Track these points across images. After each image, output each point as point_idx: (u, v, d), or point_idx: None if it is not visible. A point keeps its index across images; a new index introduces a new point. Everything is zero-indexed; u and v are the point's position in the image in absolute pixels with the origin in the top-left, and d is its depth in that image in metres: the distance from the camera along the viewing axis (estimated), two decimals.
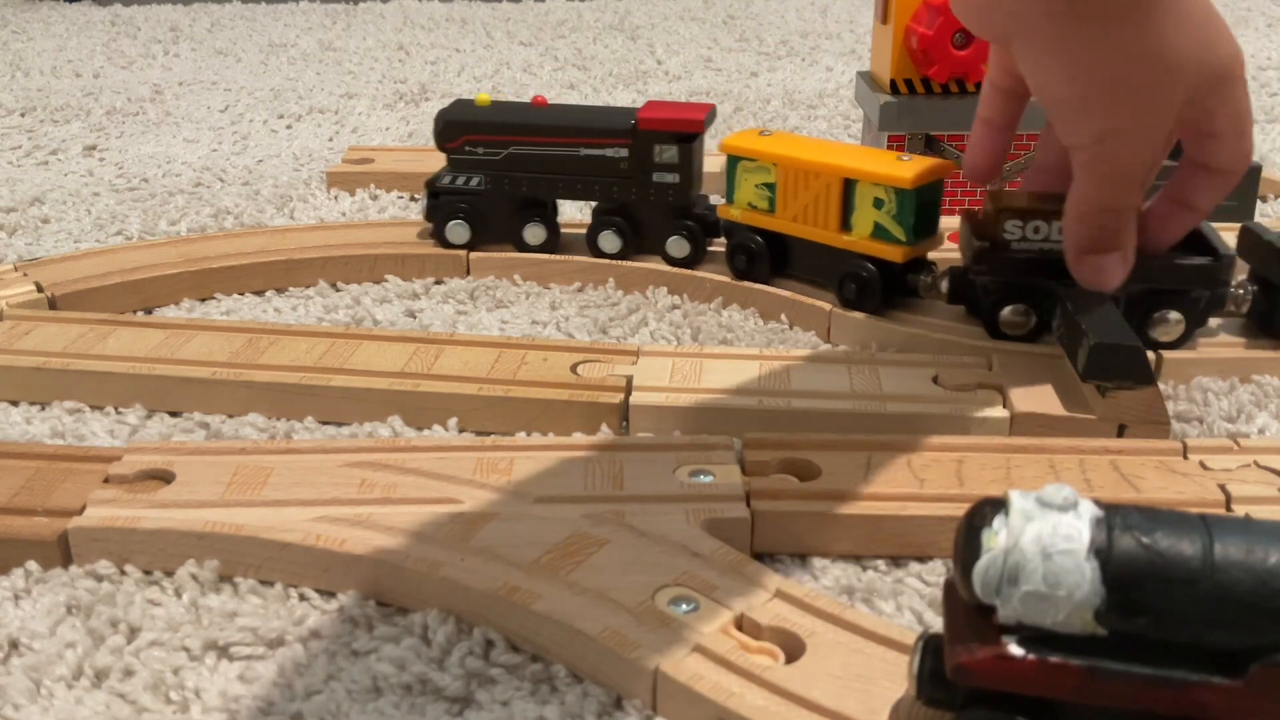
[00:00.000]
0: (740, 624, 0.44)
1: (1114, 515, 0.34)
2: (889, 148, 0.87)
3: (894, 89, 0.87)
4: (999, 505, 0.35)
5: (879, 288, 0.71)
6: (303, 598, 0.49)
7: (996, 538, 0.34)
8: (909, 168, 0.69)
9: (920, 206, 0.69)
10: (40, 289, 0.77)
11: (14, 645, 0.46)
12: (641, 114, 0.79)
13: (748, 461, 0.55)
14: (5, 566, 0.51)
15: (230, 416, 0.65)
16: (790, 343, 0.74)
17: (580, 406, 0.62)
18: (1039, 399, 0.61)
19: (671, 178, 0.80)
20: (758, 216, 0.76)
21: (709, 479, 0.54)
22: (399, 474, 0.54)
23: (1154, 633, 0.33)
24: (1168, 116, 0.55)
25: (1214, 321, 0.69)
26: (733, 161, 0.77)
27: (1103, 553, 0.33)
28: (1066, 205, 0.59)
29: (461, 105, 0.83)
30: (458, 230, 0.83)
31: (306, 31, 1.84)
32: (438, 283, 0.83)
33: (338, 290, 0.82)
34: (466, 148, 0.81)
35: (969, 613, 0.35)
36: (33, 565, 0.50)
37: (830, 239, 0.73)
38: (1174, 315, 0.65)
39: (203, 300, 0.81)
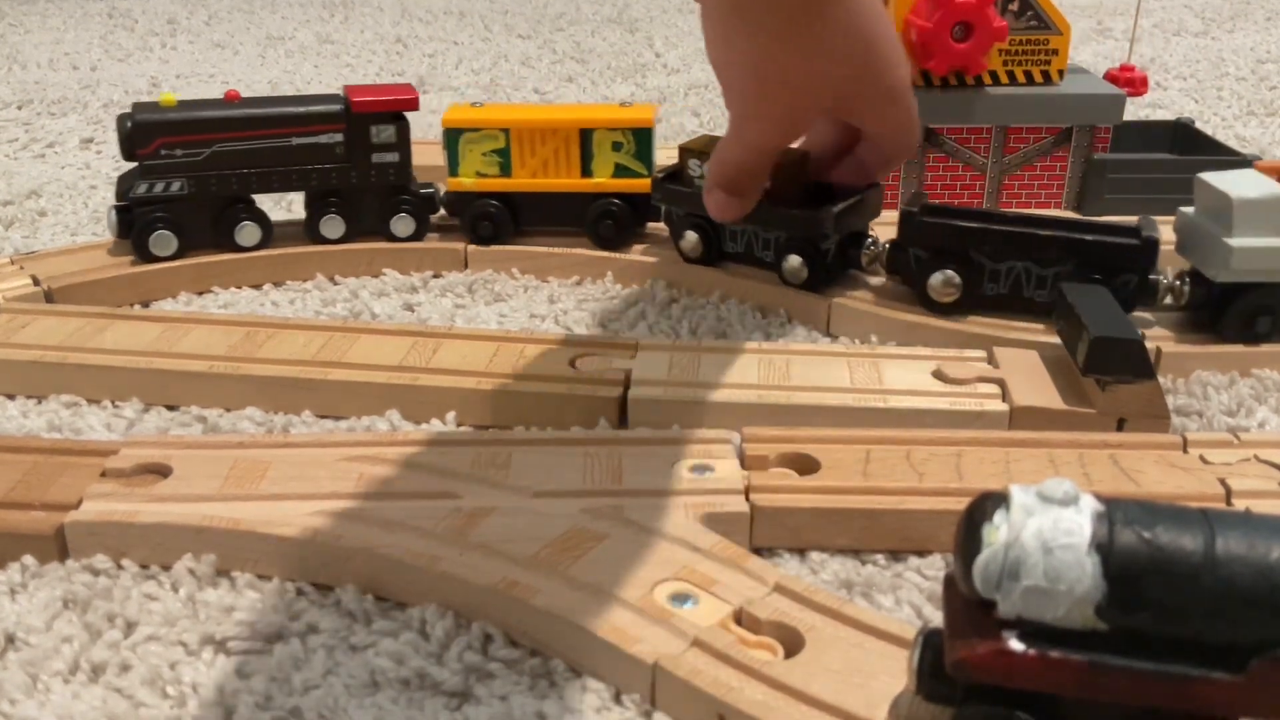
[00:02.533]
0: (739, 618, 0.44)
1: (1115, 510, 0.34)
2: None
3: None
4: (999, 500, 0.35)
5: (631, 220, 0.82)
6: (300, 592, 0.49)
7: (997, 532, 0.34)
8: (640, 111, 0.81)
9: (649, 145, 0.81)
10: (37, 282, 0.77)
11: (10, 640, 0.46)
12: (354, 96, 0.80)
13: (747, 455, 0.55)
14: (1, 561, 0.50)
15: (228, 410, 0.64)
16: (789, 336, 0.74)
17: (579, 400, 0.62)
18: (1039, 393, 0.61)
19: (391, 157, 0.81)
20: (492, 182, 0.82)
21: (708, 473, 0.53)
22: (397, 468, 0.54)
23: (1155, 628, 0.33)
24: (801, 123, 0.65)
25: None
26: (453, 135, 0.81)
27: (1104, 547, 0.33)
28: (714, 149, 0.68)
29: (147, 107, 0.78)
30: (162, 241, 0.79)
31: (304, 24, 1.83)
32: (436, 276, 0.83)
33: (335, 284, 0.82)
34: (163, 151, 0.77)
35: (969, 607, 0.35)
36: (29, 559, 0.50)
37: (575, 186, 0.82)
38: (800, 261, 0.72)
39: (200, 294, 0.80)
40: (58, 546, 0.50)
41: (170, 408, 0.65)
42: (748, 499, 0.52)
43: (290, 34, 1.76)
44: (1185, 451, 0.55)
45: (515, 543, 0.48)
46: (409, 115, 0.81)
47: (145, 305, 0.79)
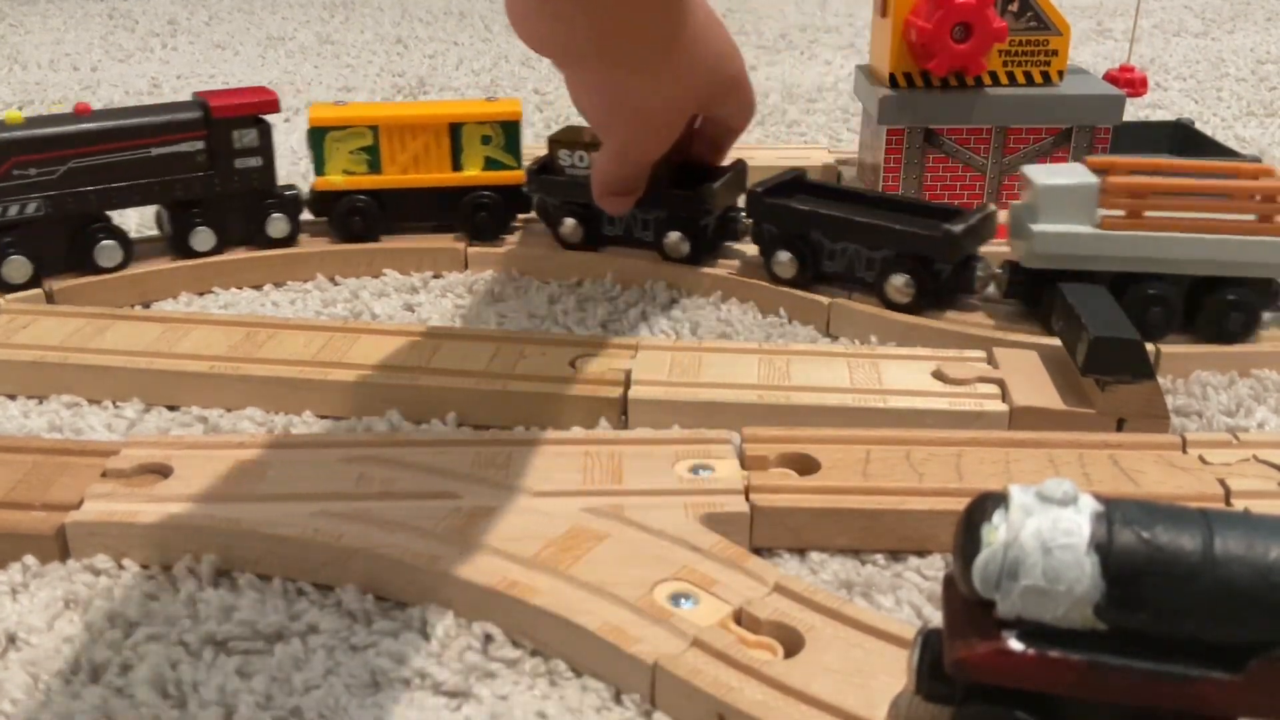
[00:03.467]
0: (739, 618, 0.44)
1: (1114, 510, 0.34)
2: (889, 142, 0.87)
3: (893, 82, 0.86)
4: (999, 500, 0.35)
5: (504, 211, 0.84)
6: (301, 592, 0.49)
7: (996, 532, 0.34)
8: (507, 105, 0.83)
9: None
10: (38, 283, 0.77)
11: (11, 640, 0.46)
12: (214, 102, 0.79)
13: (747, 456, 0.55)
14: (2, 561, 0.50)
15: (228, 410, 0.64)
16: (789, 336, 0.74)
17: (579, 400, 0.62)
18: (1038, 393, 0.61)
19: (254, 161, 0.81)
20: (361, 179, 0.82)
21: (708, 473, 0.53)
22: (397, 468, 0.54)
23: (1154, 627, 0.33)
24: (674, 133, 0.70)
25: None
26: (319, 135, 0.81)
27: (1103, 547, 0.33)
28: (594, 165, 0.74)
29: None
30: (17, 268, 0.74)
31: (304, 25, 1.83)
32: (436, 277, 0.83)
33: (336, 284, 0.82)
34: (15, 172, 0.73)
35: (969, 607, 0.35)
36: (30, 559, 0.50)
37: (446, 181, 0.83)
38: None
39: (201, 294, 0.81)
40: (59, 546, 0.50)
41: (171, 408, 0.65)
42: (748, 499, 0.52)
43: (291, 34, 1.76)
44: (1185, 452, 0.55)
45: (515, 543, 0.48)
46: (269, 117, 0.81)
47: (146, 306, 0.79)
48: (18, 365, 0.66)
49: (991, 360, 0.65)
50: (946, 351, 0.66)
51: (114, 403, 0.65)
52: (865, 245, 0.73)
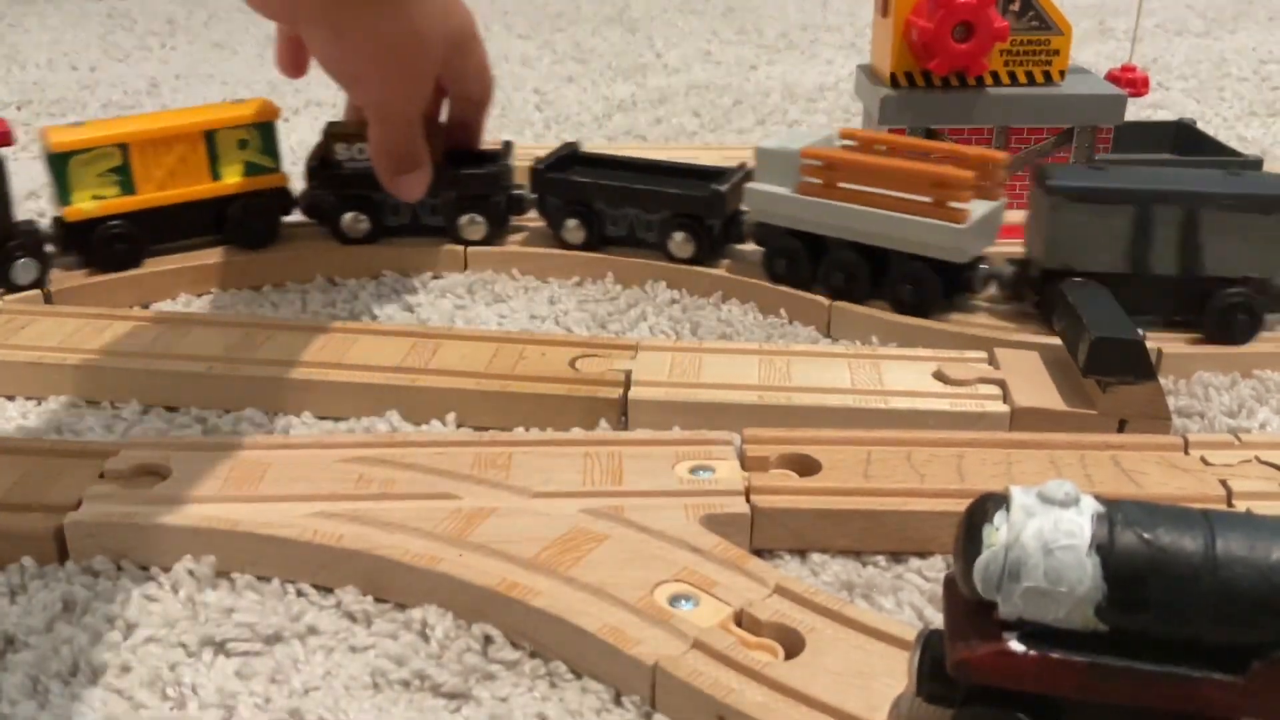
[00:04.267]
0: (740, 620, 0.44)
1: (1115, 511, 0.34)
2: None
3: (894, 82, 0.86)
4: (1000, 501, 0.35)
5: (274, 214, 0.83)
6: (300, 593, 0.49)
7: (997, 533, 0.34)
8: (260, 105, 0.82)
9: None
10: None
11: (10, 641, 0.46)
12: None
13: (747, 457, 0.55)
14: (1, 562, 0.50)
15: (227, 411, 0.64)
16: (790, 337, 0.73)
17: (579, 401, 0.62)
18: (1040, 394, 0.60)
19: None
20: (115, 203, 0.78)
21: (708, 474, 0.53)
22: (397, 469, 0.54)
23: (1156, 629, 0.33)
24: (427, 80, 0.72)
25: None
26: (61, 160, 0.75)
27: (1104, 548, 0.33)
28: (369, 146, 0.75)
29: None
30: None
31: None
32: (436, 277, 0.83)
33: (335, 285, 0.82)
34: None
35: (970, 609, 0.35)
36: (28, 561, 0.50)
37: (208, 192, 0.80)
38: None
39: (200, 295, 0.80)
40: (57, 548, 0.50)
41: (169, 409, 0.65)
42: (748, 500, 0.51)
43: None
44: (1186, 453, 0.55)
45: (515, 543, 0.48)
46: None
47: (145, 306, 0.78)
48: (17, 366, 0.66)
49: (993, 361, 0.65)
50: (947, 352, 0.66)
51: (112, 403, 0.65)
52: (644, 210, 0.80)
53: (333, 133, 0.81)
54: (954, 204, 0.70)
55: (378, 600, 0.48)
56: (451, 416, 0.63)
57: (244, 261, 0.81)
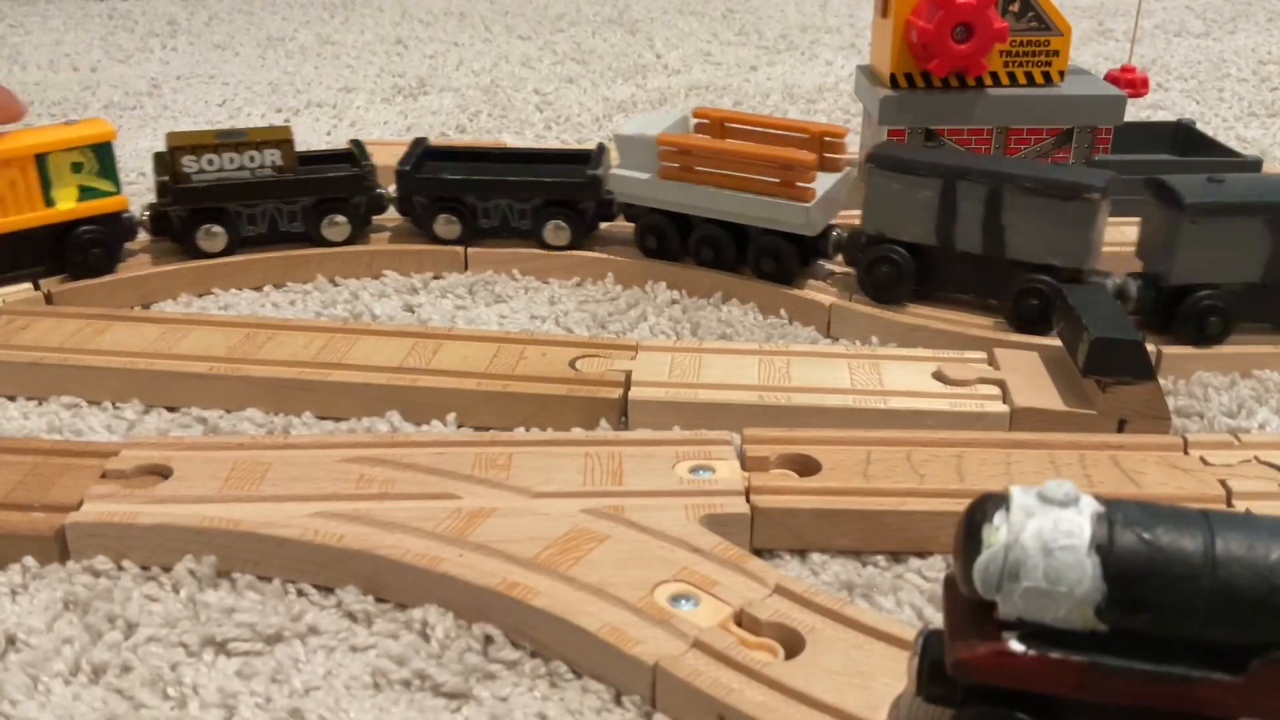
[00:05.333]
0: (740, 620, 0.44)
1: (1115, 511, 0.34)
2: (889, 141, 0.87)
3: (894, 83, 0.86)
4: (1000, 501, 0.35)
5: (116, 240, 0.78)
6: (301, 593, 0.49)
7: (997, 533, 0.34)
8: (95, 126, 0.77)
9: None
10: (37, 285, 0.77)
11: (11, 641, 0.46)
12: None
13: (747, 457, 0.55)
14: (2, 562, 0.50)
15: (228, 411, 0.64)
16: (790, 337, 0.74)
17: (579, 401, 0.62)
18: (1039, 394, 0.60)
19: None
20: None
21: (708, 474, 0.53)
22: (397, 469, 0.54)
23: (1155, 629, 0.33)
24: None
25: None
26: None
27: (1104, 548, 0.33)
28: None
29: None
30: None
31: (304, 25, 1.83)
32: (436, 278, 0.83)
33: (336, 285, 0.82)
34: None
35: (970, 608, 0.35)
36: (30, 561, 0.50)
37: (40, 219, 0.75)
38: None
39: (200, 295, 0.80)
40: (58, 548, 0.50)
41: (170, 409, 0.65)
42: (748, 500, 0.52)
43: (291, 35, 1.76)
44: (1186, 453, 0.55)
45: (515, 543, 0.48)
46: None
47: (145, 307, 0.79)
48: (17, 366, 0.66)
49: (992, 361, 0.65)
50: (947, 352, 0.66)
51: (113, 404, 0.65)
52: (516, 199, 0.82)
53: (177, 145, 0.78)
54: (801, 184, 0.75)
55: (378, 600, 0.48)
56: (452, 417, 0.63)
57: (244, 261, 0.81)
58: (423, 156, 0.85)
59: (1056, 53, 0.87)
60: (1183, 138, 0.97)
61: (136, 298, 0.79)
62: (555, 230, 0.82)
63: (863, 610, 0.44)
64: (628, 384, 0.63)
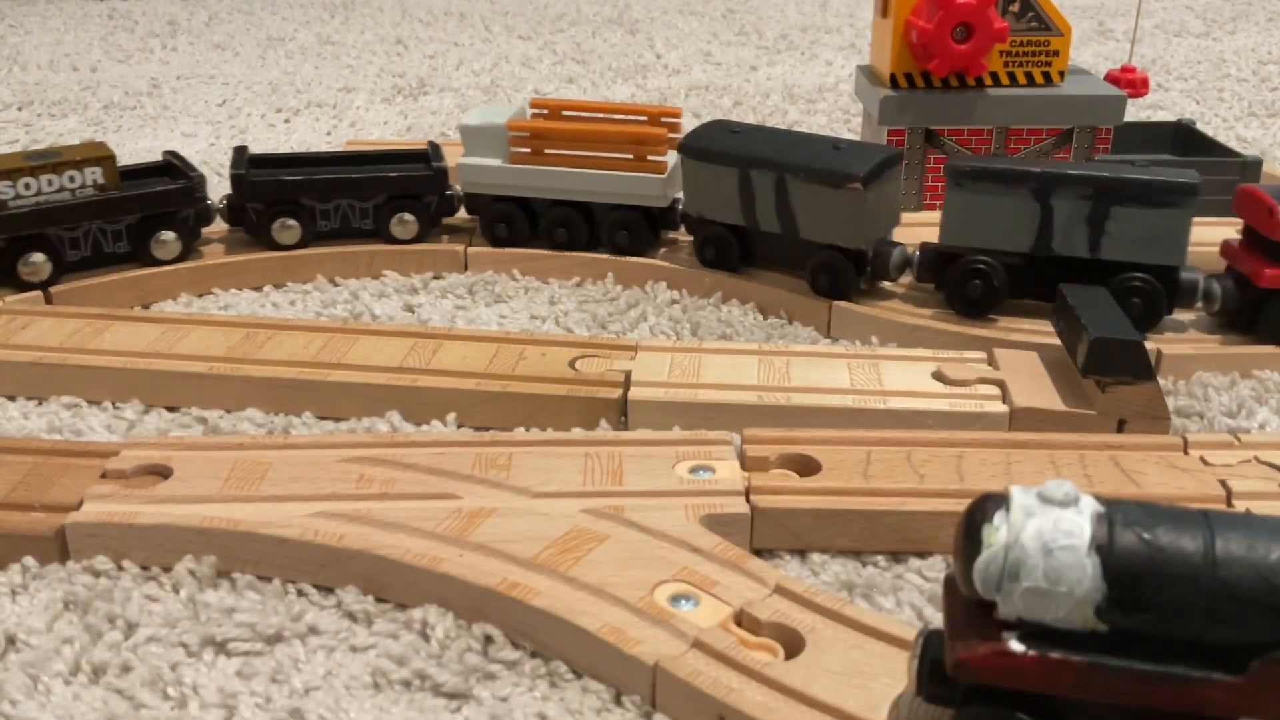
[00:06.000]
0: (740, 620, 0.44)
1: (1115, 511, 0.34)
2: (889, 142, 0.87)
3: (894, 83, 0.86)
4: (1000, 501, 0.35)
5: None
6: (301, 593, 0.49)
7: (997, 533, 0.34)
8: None
9: None
10: (33, 286, 0.77)
11: (11, 641, 0.46)
12: None
13: (747, 457, 0.55)
14: (2, 562, 0.50)
15: (228, 411, 0.64)
16: (790, 337, 0.74)
17: (579, 401, 0.62)
18: (1039, 394, 0.60)
19: None
20: None
21: (708, 474, 0.53)
22: (397, 469, 0.54)
23: (1155, 629, 0.33)
24: None
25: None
26: None
27: (1104, 548, 0.33)
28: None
29: None
30: None
31: (304, 25, 1.83)
32: (436, 278, 0.83)
33: (336, 285, 0.82)
34: None
35: (970, 609, 0.35)
36: (30, 561, 0.50)
37: None
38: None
39: (200, 295, 0.80)
40: (58, 548, 0.50)
41: (170, 409, 0.65)
42: (748, 500, 0.52)
43: (291, 35, 1.76)
44: (1186, 453, 0.55)
45: (515, 543, 0.48)
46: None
47: (145, 306, 0.79)
48: (17, 366, 0.66)
49: (992, 361, 0.65)
50: (947, 353, 0.66)
51: (113, 404, 0.65)
52: (358, 198, 0.82)
53: None
54: (652, 157, 0.80)
55: (378, 600, 0.48)
56: (452, 417, 0.63)
57: (244, 261, 0.81)
58: (253, 163, 0.84)
59: (1056, 53, 0.87)
60: (1183, 138, 0.97)
61: (136, 298, 0.79)
62: (402, 224, 0.83)
63: (863, 610, 0.44)
64: (627, 384, 0.63)
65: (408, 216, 0.82)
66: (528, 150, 0.81)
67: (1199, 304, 0.69)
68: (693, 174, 0.78)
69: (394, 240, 0.83)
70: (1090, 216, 0.69)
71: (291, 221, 0.81)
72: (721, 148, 0.77)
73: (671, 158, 0.81)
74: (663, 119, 0.82)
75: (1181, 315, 0.71)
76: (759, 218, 0.76)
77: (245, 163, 0.82)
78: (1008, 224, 0.70)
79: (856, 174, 0.71)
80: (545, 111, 0.84)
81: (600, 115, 0.84)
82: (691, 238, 0.81)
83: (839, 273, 0.74)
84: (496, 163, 0.82)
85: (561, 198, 0.82)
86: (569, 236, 0.82)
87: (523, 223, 0.83)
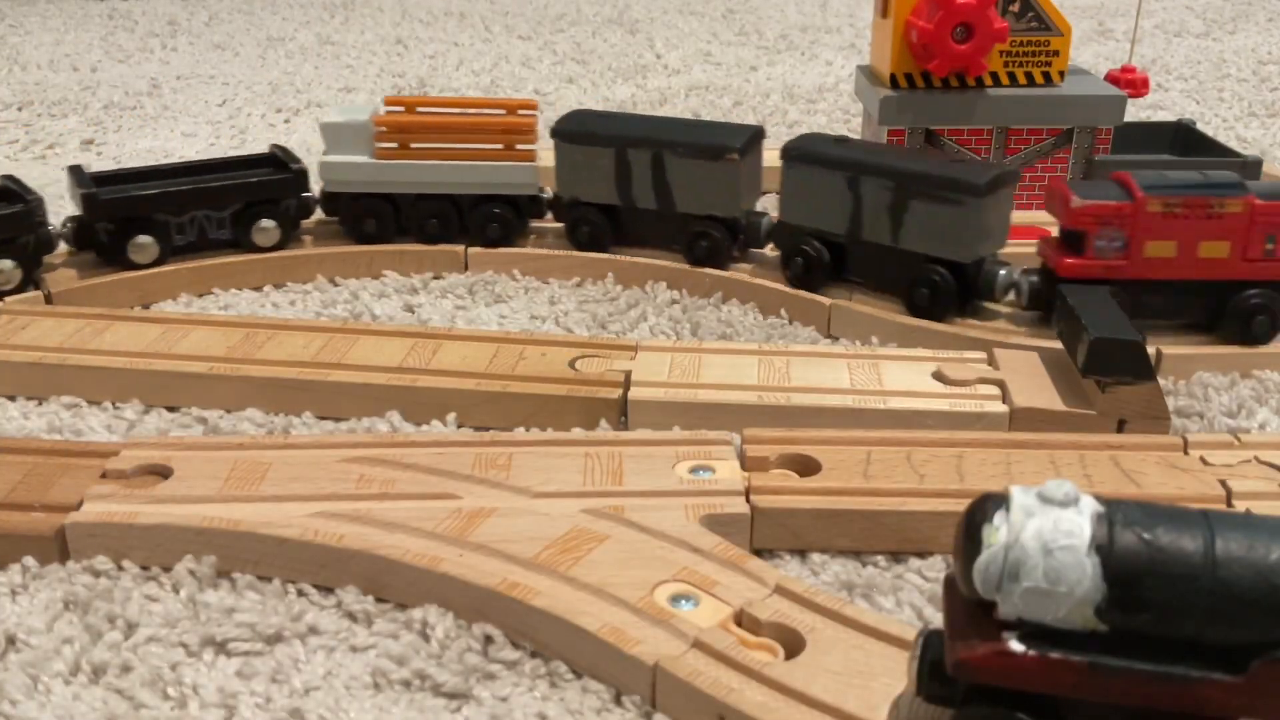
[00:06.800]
0: (740, 620, 0.44)
1: (1115, 511, 0.34)
2: (889, 142, 0.87)
3: (894, 83, 0.86)
4: (1000, 501, 0.35)
5: None
6: (301, 593, 0.49)
7: (997, 533, 0.34)
8: None
9: None
10: (37, 284, 0.77)
11: (11, 641, 0.46)
12: None
13: (747, 457, 0.55)
14: (2, 562, 0.50)
15: (228, 411, 0.64)
16: (790, 337, 0.74)
17: (579, 402, 0.62)
18: (1039, 394, 0.60)
19: None
20: None
21: (708, 474, 0.53)
22: (397, 469, 0.54)
23: (1155, 629, 0.33)
24: None
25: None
26: None
27: (1104, 548, 0.33)
28: None
29: None
30: None
31: (304, 25, 1.83)
32: (436, 278, 0.83)
33: (336, 285, 0.82)
34: None
35: (970, 608, 0.35)
36: (30, 561, 0.50)
37: None
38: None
39: (200, 295, 0.80)
40: (58, 548, 0.50)
41: (170, 409, 0.65)
42: (748, 500, 0.52)
43: (291, 35, 1.76)
44: (1186, 453, 0.55)
45: (515, 543, 0.48)
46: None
47: (145, 307, 0.79)
48: (17, 366, 0.66)
49: (992, 361, 0.65)
50: (947, 353, 0.66)
51: (114, 404, 0.65)
52: (214, 208, 0.81)
53: None
54: (521, 146, 0.82)
55: (378, 600, 0.48)
56: (452, 417, 0.63)
57: (244, 261, 0.81)
58: (98, 180, 0.80)
59: (1056, 53, 0.87)
60: (1183, 138, 0.97)
61: (136, 298, 0.79)
62: (264, 232, 0.81)
63: (863, 610, 0.44)
64: (627, 384, 0.63)
65: (268, 223, 0.81)
66: (395, 145, 0.81)
67: (1009, 297, 0.71)
68: (566, 157, 0.81)
69: (256, 249, 0.82)
70: (892, 207, 0.72)
71: (146, 239, 0.78)
72: (596, 129, 0.81)
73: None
74: (520, 111, 0.83)
75: (997, 308, 0.73)
76: (635, 195, 0.80)
77: (90, 181, 0.78)
78: (828, 208, 0.75)
79: (734, 146, 0.77)
80: (402, 109, 0.83)
81: (458, 110, 0.84)
82: (560, 224, 0.83)
83: (715, 241, 0.78)
84: (363, 159, 0.82)
85: (433, 191, 0.82)
86: (441, 229, 0.83)
87: (390, 218, 0.83)
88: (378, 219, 0.83)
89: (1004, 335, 0.69)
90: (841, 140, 0.78)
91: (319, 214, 0.85)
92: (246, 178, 0.82)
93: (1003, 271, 0.71)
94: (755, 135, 0.80)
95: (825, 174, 0.74)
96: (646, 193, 0.80)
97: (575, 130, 0.81)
